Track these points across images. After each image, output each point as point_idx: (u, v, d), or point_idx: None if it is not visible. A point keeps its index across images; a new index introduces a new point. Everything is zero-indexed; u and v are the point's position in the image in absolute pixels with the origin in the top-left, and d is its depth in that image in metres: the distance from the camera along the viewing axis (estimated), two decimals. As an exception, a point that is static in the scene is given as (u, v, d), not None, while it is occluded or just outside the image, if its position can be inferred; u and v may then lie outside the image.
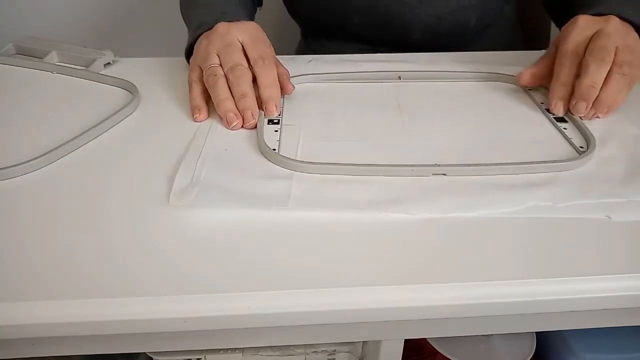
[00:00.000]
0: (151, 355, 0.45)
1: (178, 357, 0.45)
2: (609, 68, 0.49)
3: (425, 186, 0.43)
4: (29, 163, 0.45)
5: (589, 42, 0.51)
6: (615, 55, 0.49)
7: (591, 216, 0.40)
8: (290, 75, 0.58)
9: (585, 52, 0.51)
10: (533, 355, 0.51)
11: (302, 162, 0.44)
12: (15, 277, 0.35)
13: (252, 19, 0.64)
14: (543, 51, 0.69)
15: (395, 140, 0.49)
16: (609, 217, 0.39)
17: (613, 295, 0.35)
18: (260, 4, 0.75)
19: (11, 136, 0.51)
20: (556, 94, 0.51)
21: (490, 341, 0.52)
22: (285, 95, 0.57)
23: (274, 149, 0.46)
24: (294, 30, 0.86)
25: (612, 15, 0.53)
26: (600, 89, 0.49)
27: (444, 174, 0.43)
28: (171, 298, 0.34)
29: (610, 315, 0.39)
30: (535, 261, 0.36)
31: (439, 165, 0.44)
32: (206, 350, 0.44)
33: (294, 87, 0.56)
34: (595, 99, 0.49)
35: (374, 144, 0.48)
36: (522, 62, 0.63)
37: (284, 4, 0.79)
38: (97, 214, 0.40)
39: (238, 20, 0.56)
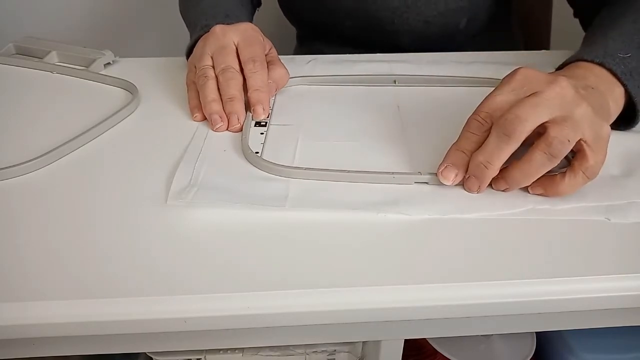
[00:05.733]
0: (151, 355, 0.45)
1: (178, 357, 0.45)
2: (514, 147, 0.39)
3: (424, 188, 0.43)
4: (29, 163, 0.45)
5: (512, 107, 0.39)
6: (550, 127, 0.38)
7: (590, 218, 0.40)
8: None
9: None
10: (533, 355, 0.51)
11: (279, 165, 0.44)
12: (15, 278, 0.35)
13: (251, 20, 0.64)
14: (543, 51, 0.69)
15: (387, 143, 0.49)
16: (608, 219, 0.39)
17: (613, 295, 0.35)
18: (259, 4, 0.75)
19: (11, 136, 0.51)
20: (448, 158, 0.42)
21: (490, 341, 0.52)
22: (280, 96, 0.57)
23: (257, 152, 0.46)
24: (291, 33, 0.86)
25: (567, 72, 0.45)
26: (514, 166, 0.40)
27: (426, 182, 0.43)
28: (171, 298, 0.34)
29: (610, 315, 0.39)
30: (535, 261, 0.36)
31: (421, 173, 0.43)
32: (206, 350, 0.44)
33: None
34: (507, 173, 0.41)
35: (366, 147, 0.48)
36: (522, 62, 0.63)
37: (280, 6, 0.79)
38: (96, 214, 0.40)
39: (239, 22, 0.56)
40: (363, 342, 0.45)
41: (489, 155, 0.40)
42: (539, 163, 0.39)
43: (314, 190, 0.42)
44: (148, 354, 0.45)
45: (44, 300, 0.33)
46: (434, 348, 0.51)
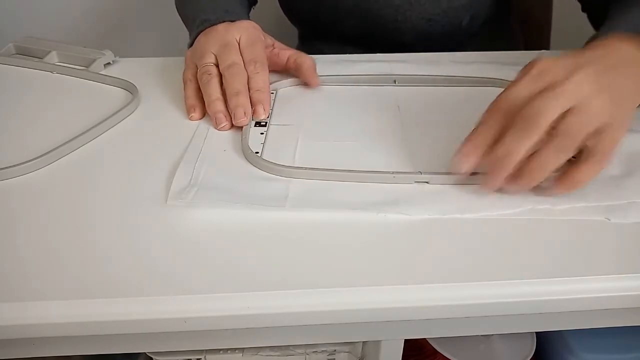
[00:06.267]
0: (151, 355, 0.45)
1: (178, 357, 0.45)
2: (534, 140, 0.38)
3: (424, 188, 0.43)
4: (29, 163, 0.45)
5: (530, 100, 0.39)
6: (558, 121, 0.38)
7: (590, 218, 0.40)
8: (284, 78, 0.59)
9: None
10: (533, 355, 0.51)
11: (279, 165, 0.44)
12: (15, 278, 0.35)
13: (248, 17, 0.64)
14: (543, 51, 0.69)
15: (387, 143, 0.49)
16: (609, 219, 0.39)
17: (613, 295, 0.35)
18: (255, 2, 0.75)
19: (11, 136, 0.51)
20: (465, 150, 0.41)
21: (490, 341, 0.52)
22: (280, 97, 0.57)
23: (257, 152, 0.46)
24: (292, 33, 0.87)
25: (590, 52, 0.42)
26: (528, 159, 0.39)
27: (426, 182, 0.43)
28: (171, 298, 0.34)
29: (610, 315, 0.39)
30: (535, 261, 0.36)
31: (422, 172, 0.43)
32: (206, 350, 0.44)
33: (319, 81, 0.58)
34: (521, 168, 0.39)
35: (366, 147, 0.48)
36: (522, 62, 0.63)
37: (280, 6, 0.79)
38: (96, 214, 0.40)
39: (240, 19, 0.56)
40: (363, 342, 0.45)
41: (507, 149, 0.39)
42: (554, 154, 0.38)
43: (314, 190, 0.42)
44: (148, 354, 0.45)
45: (44, 300, 0.33)
46: (434, 348, 0.51)
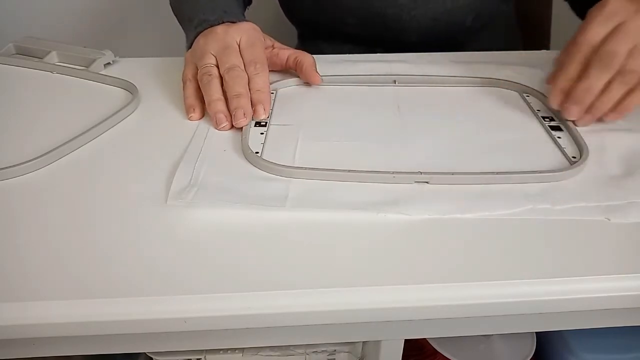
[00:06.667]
0: (151, 355, 0.45)
1: (178, 357, 0.45)
2: (611, 75, 0.46)
3: (424, 188, 0.43)
4: (29, 163, 0.45)
5: (604, 40, 0.47)
6: (626, 59, 0.46)
7: (590, 218, 0.40)
8: (284, 78, 0.59)
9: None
10: (533, 355, 0.51)
11: (279, 165, 0.44)
12: (15, 278, 0.35)
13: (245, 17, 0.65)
14: (543, 51, 0.69)
15: (387, 143, 0.49)
16: (608, 219, 0.39)
17: (613, 295, 0.35)
18: (249, 2, 0.75)
19: (11, 136, 0.51)
20: (560, 86, 0.49)
21: (490, 341, 0.52)
22: (280, 97, 0.57)
23: (257, 152, 0.46)
24: (291, 33, 0.86)
25: None
26: (599, 95, 0.48)
27: (426, 182, 0.43)
28: (171, 298, 0.34)
29: (610, 315, 0.39)
30: (535, 261, 0.36)
31: (422, 172, 0.43)
32: (206, 350, 0.44)
33: (321, 78, 0.59)
34: (593, 104, 0.48)
35: (366, 147, 0.48)
36: (522, 62, 0.63)
37: (280, 6, 0.79)
38: (96, 214, 0.40)
39: (239, 20, 0.57)
40: (363, 342, 0.45)
41: (589, 86, 0.47)
42: (621, 88, 0.47)
43: (314, 190, 0.42)
44: (148, 354, 0.45)
45: (44, 300, 0.33)
46: (434, 348, 0.51)
